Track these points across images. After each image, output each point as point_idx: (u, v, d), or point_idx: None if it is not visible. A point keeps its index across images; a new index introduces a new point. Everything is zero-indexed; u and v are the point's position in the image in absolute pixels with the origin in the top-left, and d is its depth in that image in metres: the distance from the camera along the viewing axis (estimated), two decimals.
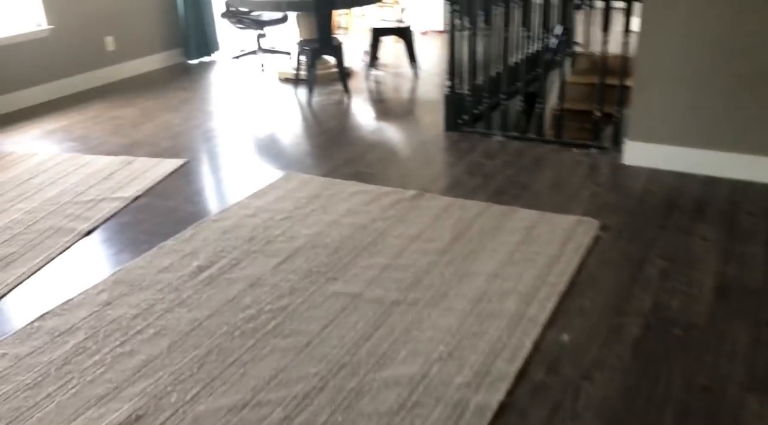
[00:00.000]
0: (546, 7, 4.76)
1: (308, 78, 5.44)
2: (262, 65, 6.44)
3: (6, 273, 2.94)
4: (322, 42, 5.28)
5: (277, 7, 5.31)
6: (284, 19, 6.45)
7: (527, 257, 2.85)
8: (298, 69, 5.58)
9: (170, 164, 4.08)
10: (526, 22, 4.58)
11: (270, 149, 4.31)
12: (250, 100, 5.44)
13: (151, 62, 6.42)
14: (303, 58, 5.52)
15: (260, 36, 6.49)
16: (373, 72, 6.09)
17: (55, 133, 4.79)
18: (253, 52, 6.57)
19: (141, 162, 4.14)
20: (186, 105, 5.33)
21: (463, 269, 2.78)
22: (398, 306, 2.55)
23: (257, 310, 2.58)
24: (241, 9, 6.31)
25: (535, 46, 5.13)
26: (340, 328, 2.44)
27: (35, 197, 3.70)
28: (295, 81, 5.84)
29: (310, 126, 4.74)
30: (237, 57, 6.63)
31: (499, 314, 2.47)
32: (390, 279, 2.73)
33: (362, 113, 4.98)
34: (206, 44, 6.73)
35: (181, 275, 2.85)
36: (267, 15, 6.44)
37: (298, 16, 5.77)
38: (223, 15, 6.36)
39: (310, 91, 5.47)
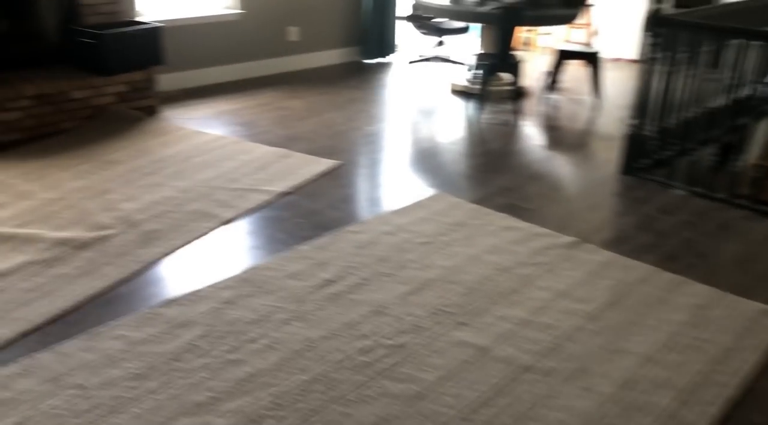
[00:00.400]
0: (766, 50, 4.15)
1: (481, 93, 5.19)
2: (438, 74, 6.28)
3: (146, 250, 2.98)
4: (500, 57, 5.01)
5: (462, 17, 5.10)
6: (465, 29, 6.24)
7: (693, 343, 2.41)
8: (473, 83, 5.33)
9: (324, 164, 4.01)
10: (736, 65, 4.01)
11: (426, 164, 4.11)
12: (417, 108, 5.29)
13: (329, 57, 6.48)
14: (478, 72, 5.28)
15: (439, 43, 6.33)
16: (551, 96, 5.71)
17: (225, 115, 4.92)
18: (430, 59, 6.43)
19: (297, 158, 4.11)
20: (352, 105, 5.28)
21: (614, 343, 2.40)
22: (529, 373, 2.24)
23: (375, 342, 2.37)
24: (426, 14, 6.18)
25: (742, 92, 4.51)
26: (458, 384, 2.18)
27: (191, 177, 3.77)
28: (467, 94, 5.61)
29: (472, 144, 4.49)
30: (413, 62, 6.52)
31: (646, 409, 2.09)
32: (525, 338, 2.41)
33: (530, 139, 4.65)
34: (384, 46, 6.69)
35: (307, 285, 2.72)
36: (449, 23, 6.26)
37: (482, 28, 5.54)
38: (408, 18, 6.27)
39: (481, 107, 5.21)
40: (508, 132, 4.79)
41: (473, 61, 5.46)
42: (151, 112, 4.82)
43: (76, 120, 4.46)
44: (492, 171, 4.03)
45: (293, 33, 6.13)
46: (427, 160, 4.18)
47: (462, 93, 5.69)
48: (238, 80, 5.81)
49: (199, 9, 5.50)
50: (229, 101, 5.23)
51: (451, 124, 4.92)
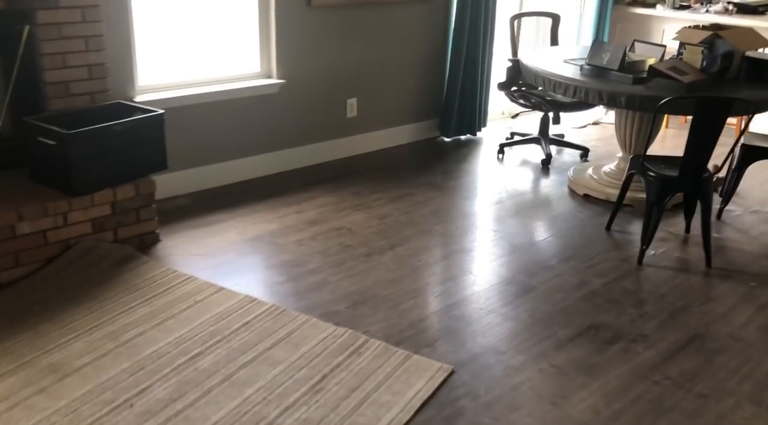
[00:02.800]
0: None
1: (646, 224, 3.28)
2: (544, 162, 4.58)
3: None
4: (688, 170, 3.16)
5: (609, 100, 3.42)
6: (586, 105, 4.54)
7: None
8: (624, 191, 3.59)
9: (422, 374, 2.33)
10: None
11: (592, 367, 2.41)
12: (525, 224, 3.61)
13: (398, 135, 4.85)
14: (634, 175, 3.57)
15: (549, 120, 4.65)
16: (731, 212, 3.94)
17: (256, 244, 3.29)
18: (535, 140, 4.75)
19: (373, 356, 2.43)
20: (438, 221, 3.62)
21: None
22: None
23: None
24: (531, 84, 4.53)
25: None
26: None
27: (193, 414, 2.11)
28: (606, 204, 3.92)
29: (629, 316, 2.78)
30: (508, 144, 4.83)
31: None
32: None
33: (723, 297, 2.92)
34: (470, 120, 5.03)
35: None
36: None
37: (621, 112, 3.85)
38: (501, 87, 4.62)
39: (645, 241, 3.29)
40: (694, 286, 3.06)
41: (627, 162, 3.78)
42: (146, 244, 3.21)
43: (26, 266, 2.87)
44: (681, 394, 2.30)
45: (351, 107, 4.52)
46: (591, 359, 2.48)
47: (595, 199, 3.98)
48: (275, 175, 4.19)
49: (222, 81, 3.92)
50: (263, 215, 3.60)
51: (582, 258, 3.22)
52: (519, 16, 4.71)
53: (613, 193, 3.93)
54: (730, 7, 5.54)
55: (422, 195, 3.98)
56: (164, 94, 3.63)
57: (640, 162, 3.28)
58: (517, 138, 4.93)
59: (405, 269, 3.10)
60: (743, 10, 5.55)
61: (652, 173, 3.20)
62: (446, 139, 5.05)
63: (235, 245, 3.27)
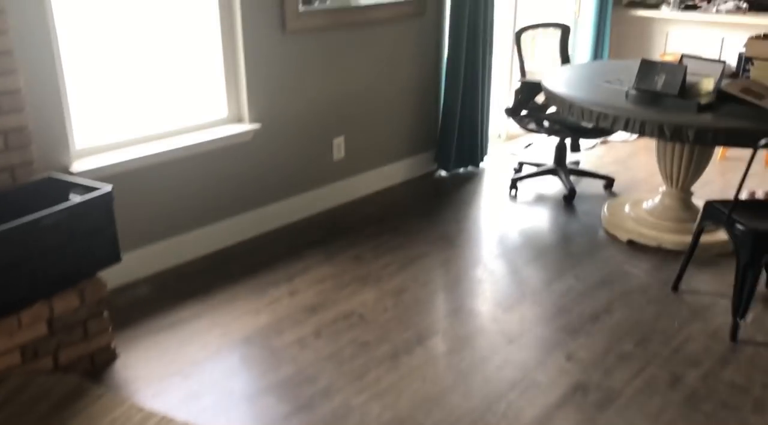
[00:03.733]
0: None
1: (739, 290, 2.57)
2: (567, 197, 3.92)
3: None
4: None
5: (668, 133, 2.76)
6: (609, 130, 3.91)
7: None
8: (694, 244, 2.94)
9: None
10: None
11: None
12: (577, 291, 2.93)
13: (391, 174, 4.13)
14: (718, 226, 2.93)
15: (567, 148, 4.00)
16: None
17: (246, 348, 2.52)
18: (551, 171, 4.08)
19: None
20: (466, 291, 2.92)
21: None
22: None
23: None
24: (548, 106, 3.88)
25: None
26: None
27: None
28: (658, 252, 3.28)
29: None
30: (521, 177, 4.14)
31: None
32: None
33: None
34: (471, 150, 4.35)
35: None
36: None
37: (662, 143, 3.21)
38: (510, 113, 3.94)
39: (739, 312, 2.58)
40: None
41: (674, 198, 3.14)
42: (98, 366, 2.41)
43: None
44: None
45: (338, 147, 3.77)
46: None
47: (646, 247, 3.34)
48: (255, 239, 3.42)
49: (182, 132, 3.13)
50: (247, 302, 2.83)
51: (679, 340, 2.56)
52: (525, 30, 4.04)
53: (667, 238, 3.30)
54: (742, 4, 5.00)
55: (437, 256, 3.26)
56: (110, 156, 2.83)
57: (721, 212, 2.63)
58: (528, 169, 4.26)
59: (446, 375, 2.38)
60: (756, 7, 5.01)
61: (741, 226, 2.54)
62: (444, 173, 4.36)
63: (217, 356, 2.49)
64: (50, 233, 2.21)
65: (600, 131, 3.80)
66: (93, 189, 2.39)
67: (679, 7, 5.12)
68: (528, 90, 3.86)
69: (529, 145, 4.47)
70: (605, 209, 3.66)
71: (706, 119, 2.74)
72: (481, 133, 4.35)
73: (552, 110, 4.01)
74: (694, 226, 2.88)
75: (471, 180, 4.28)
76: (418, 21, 3.95)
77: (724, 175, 4.32)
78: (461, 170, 4.41)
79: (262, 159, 3.40)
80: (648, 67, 2.93)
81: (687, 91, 2.89)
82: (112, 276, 2.74)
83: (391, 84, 3.94)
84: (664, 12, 5.16)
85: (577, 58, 5.20)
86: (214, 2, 3.09)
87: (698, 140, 2.72)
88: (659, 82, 2.88)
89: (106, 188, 2.37)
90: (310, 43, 3.43)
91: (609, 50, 5.37)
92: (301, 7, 3.30)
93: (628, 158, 4.64)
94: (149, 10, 2.94)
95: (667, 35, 5.27)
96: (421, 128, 4.23)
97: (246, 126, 3.27)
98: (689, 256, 2.90)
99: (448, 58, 4.05)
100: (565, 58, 4.20)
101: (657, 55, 5.30)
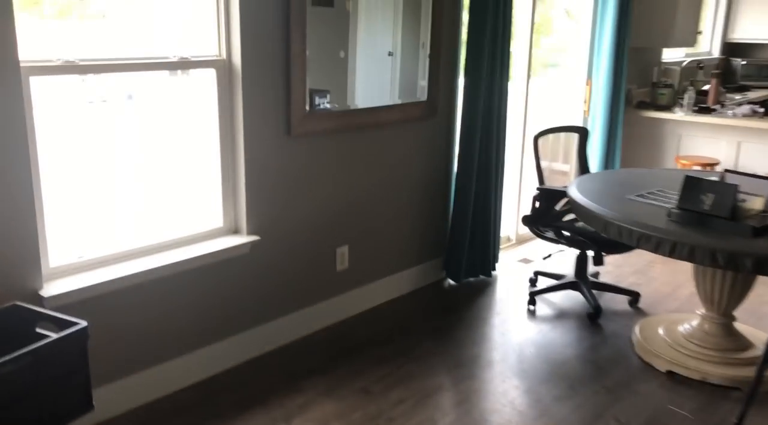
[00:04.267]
0: None
1: None
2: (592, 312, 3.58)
3: None
4: None
5: (722, 262, 2.45)
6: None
7: None
8: (759, 374, 2.59)
9: None
10: None
11: None
12: None
13: (397, 285, 3.78)
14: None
15: (587, 259, 3.70)
16: None
17: None
18: (572, 285, 3.76)
19: None
20: None
21: None
22: None
23: None
24: (560, 213, 3.60)
25: None
26: None
27: None
28: (704, 386, 2.91)
29: None
30: (537, 292, 3.81)
31: None
32: None
33: None
34: (482, 257, 4.03)
35: None
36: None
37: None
38: (528, 221, 3.66)
39: None
40: None
41: (715, 323, 2.81)
42: None
43: None
44: None
45: (342, 257, 3.44)
46: None
47: (700, 382, 2.98)
48: (248, 364, 3.02)
49: (171, 245, 2.79)
50: None
51: None
52: (544, 134, 3.81)
53: (712, 371, 2.95)
54: (758, 108, 4.85)
55: (454, 390, 2.87)
56: (87, 277, 2.46)
57: None
58: (545, 281, 3.93)
59: None
60: None
61: None
62: (452, 281, 4.02)
63: None
64: (8, 382, 1.82)
65: (628, 245, 3.51)
66: (65, 323, 2.02)
67: (691, 110, 4.97)
68: (548, 198, 3.59)
69: (549, 256, 4.16)
70: (637, 332, 3.32)
71: (765, 245, 2.45)
72: (493, 240, 4.05)
73: (571, 216, 3.75)
74: (742, 357, 2.54)
75: (483, 291, 3.94)
76: (427, 123, 3.71)
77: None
78: (471, 279, 4.08)
79: (258, 274, 3.04)
80: (693, 185, 2.66)
81: (736, 212, 2.61)
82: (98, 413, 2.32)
83: (398, 189, 3.65)
84: (678, 114, 5.00)
85: (589, 161, 4.99)
86: (213, 102, 2.82)
87: (758, 270, 2.42)
88: (707, 202, 2.61)
89: (81, 324, 2.00)
90: (317, 146, 3.16)
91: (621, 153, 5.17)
92: (308, 108, 3.04)
93: (647, 268, 4.34)
94: (138, 110, 2.66)
95: (680, 138, 5.10)
96: (428, 234, 3.92)
97: (243, 238, 2.93)
98: (751, 395, 2.54)
99: (459, 162, 3.80)
100: (583, 163, 3.96)
101: (671, 159, 5.12)
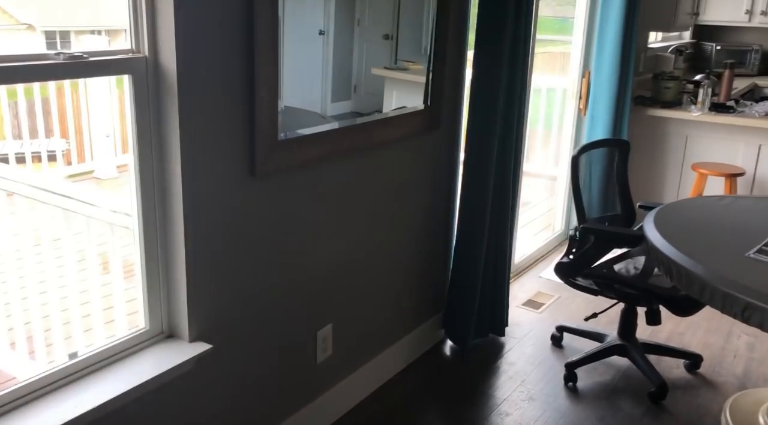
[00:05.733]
0: None
1: None
2: None
3: None
4: None
5: None
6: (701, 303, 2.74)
7: None
8: None
9: None
10: None
11: None
12: None
13: (391, 362, 2.74)
14: None
15: (636, 315, 2.80)
16: None
17: None
18: (618, 350, 2.85)
19: None
20: None
21: None
22: None
23: None
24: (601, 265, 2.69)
25: None
26: None
27: None
28: None
29: None
30: (576, 362, 2.84)
31: None
32: None
33: None
34: (492, 313, 3.06)
35: None
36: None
37: None
38: (564, 271, 2.71)
39: None
40: None
41: None
42: None
43: None
44: None
45: (324, 342, 2.35)
46: None
47: None
48: None
49: (76, 371, 1.63)
50: None
51: None
52: (585, 150, 2.83)
53: None
54: None
55: None
56: None
57: None
58: (575, 340, 3.01)
59: None
60: None
61: None
62: (455, 345, 3.02)
63: None
64: None
65: (696, 303, 2.62)
66: None
67: (708, 109, 4.17)
68: (596, 241, 2.65)
69: (594, 316, 3.07)
70: (728, 417, 2.46)
71: None
72: (506, 289, 3.08)
73: (608, 256, 2.85)
74: None
75: (496, 361, 2.96)
76: (426, 141, 2.67)
77: None
78: (482, 339, 3.10)
79: (211, 396, 1.92)
80: None
81: None
82: None
83: (390, 236, 2.60)
84: (695, 113, 4.18)
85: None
86: (130, 127, 1.66)
87: None
88: None
89: None
90: (289, 190, 2.05)
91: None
92: (282, 135, 1.92)
93: (701, 320, 3.44)
94: None
95: (686, 139, 4.31)
96: (424, 291, 2.90)
97: (183, 348, 1.79)
98: None
99: (463, 194, 2.79)
100: (623, 183, 3.03)
101: (679, 166, 4.32)
